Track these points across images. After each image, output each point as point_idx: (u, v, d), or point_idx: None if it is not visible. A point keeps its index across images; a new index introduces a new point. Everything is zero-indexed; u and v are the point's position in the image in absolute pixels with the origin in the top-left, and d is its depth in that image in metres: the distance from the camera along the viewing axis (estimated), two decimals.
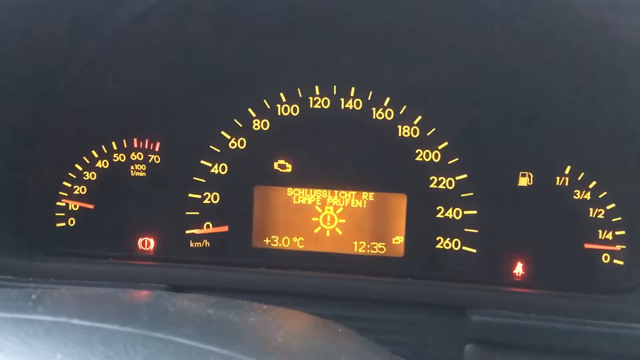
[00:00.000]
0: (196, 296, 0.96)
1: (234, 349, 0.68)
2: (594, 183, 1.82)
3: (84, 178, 1.99)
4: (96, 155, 1.98)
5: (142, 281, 1.72)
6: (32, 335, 0.64)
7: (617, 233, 1.81)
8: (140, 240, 1.99)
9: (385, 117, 1.90)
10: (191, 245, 1.99)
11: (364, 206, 1.93)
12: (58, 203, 1.98)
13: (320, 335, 0.93)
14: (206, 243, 1.99)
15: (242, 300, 0.95)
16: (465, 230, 1.89)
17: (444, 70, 1.80)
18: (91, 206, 1.99)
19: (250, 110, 1.95)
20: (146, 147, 1.99)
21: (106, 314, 0.75)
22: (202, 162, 1.97)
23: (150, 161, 1.99)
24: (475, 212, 1.88)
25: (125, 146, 1.99)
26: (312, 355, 0.78)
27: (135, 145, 1.99)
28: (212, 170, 1.97)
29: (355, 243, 1.94)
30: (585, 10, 1.22)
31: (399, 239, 1.92)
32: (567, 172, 1.83)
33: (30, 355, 0.61)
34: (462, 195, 1.88)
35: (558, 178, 1.83)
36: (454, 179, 1.89)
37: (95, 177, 1.99)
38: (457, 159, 1.88)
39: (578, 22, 1.31)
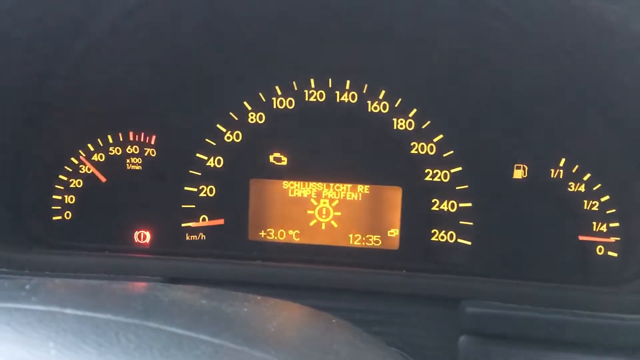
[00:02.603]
0: (190, 287, 0.97)
1: (225, 338, 0.69)
2: (588, 175, 1.82)
3: (80, 171, 1.99)
4: (92, 149, 1.99)
5: (138, 274, 1.73)
6: (24, 324, 0.65)
7: (611, 225, 1.81)
8: (136, 233, 2.00)
9: (380, 110, 1.91)
10: (187, 238, 1.99)
11: (359, 199, 1.94)
12: (54, 196, 1.99)
13: (313, 326, 0.93)
14: (202, 236, 2.00)
15: (236, 292, 0.96)
16: (460, 222, 1.89)
17: (439, 64, 1.80)
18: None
19: (245, 103, 1.95)
20: (142, 140, 1.99)
21: (99, 303, 0.75)
22: (198, 155, 1.97)
23: (146, 154, 1.99)
24: (470, 204, 1.89)
25: (121, 139, 1.99)
26: (305, 345, 0.79)
27: (131, 138, 1.99)
28: (208, 164, 1.97)
29: (351, 236, 1.95)
30: (577, 2, 1.23)
31: (394, 232, 1.93)
32: (561, 164, 1.83)
33: (23, 343, 0.61)
34: (457, 188, 1.89)
35: (553, 170, 1.84)
36: (449, 172, 1.89)
37: (91, 171, 1.99)
38: (452, 151, 1.88)
39: (570, 15, 1.32)
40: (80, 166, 1.99)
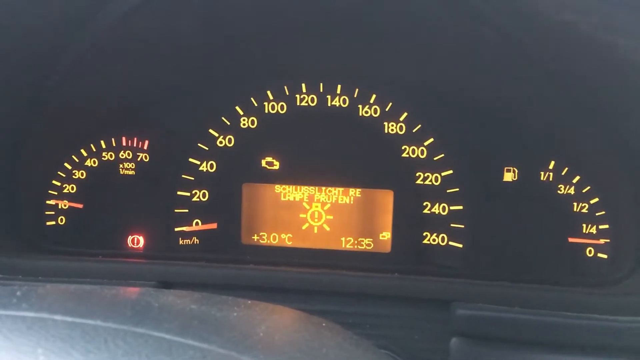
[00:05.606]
0: (181, 292, 0.97)
1: (214, 343, 0.69)
2: (577, 178, 1.84)
3: (74, 177, 2.00)
4: (85, 154, 1.99)
5: (132, 279, 1.72)
6: (13, 330, 0.65)
7: (600, 227, 1.83)
8: (129, 238, 2.00)
9: (371, 113, 1.92)
10: (180, 242, 2.00)
11: (351, 202, 1.95)
12: (48, 202, 1.99)
13: (302, 330, 0.94)
14: (195, 240, 2.01)
15: (226, 296, 0.96)
16: (452, 225, 1.91)
17: (429, 67, 1.81)
18: (81, 205, 2.00)
19: (237, 108, 1.96)
20: (135, 145, 2.00)
21: (89, 309, 0.76)
22: (190, 160, 1.98)
23: (139, 159, 2.00)
24: (461, 207, 1.90)
25: (114, 145, 2.00)
26: (293, 349, 0.79)
27: (124, 143, 2.00)
28: (201, 168, 1.98)
29: (343, 239, 1.96)
30: (558, 10, 1.25)
31: (386, 235, 1.94)
32: (551, 167, 1.85)
33: (11, 350, 0.62)
34: (448, 191, 1.90)
35: (542, 173, 1.85)
36: (440, 175, 1.90)
37: (84, 176, 2.00)
38: (442, 154, 1.90)
39: (556, 23, 1.33)
40: (74, 171, 1.99)
